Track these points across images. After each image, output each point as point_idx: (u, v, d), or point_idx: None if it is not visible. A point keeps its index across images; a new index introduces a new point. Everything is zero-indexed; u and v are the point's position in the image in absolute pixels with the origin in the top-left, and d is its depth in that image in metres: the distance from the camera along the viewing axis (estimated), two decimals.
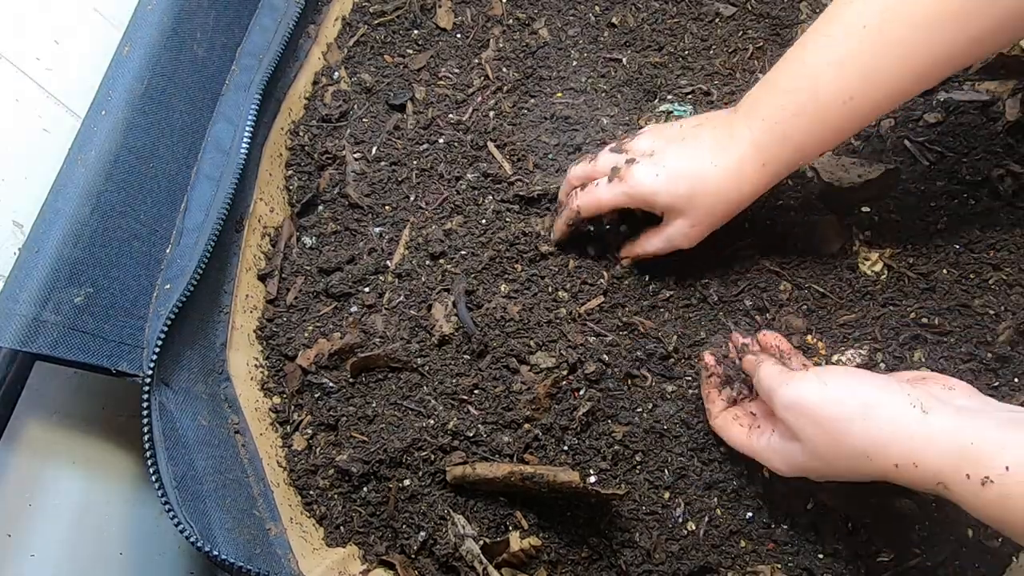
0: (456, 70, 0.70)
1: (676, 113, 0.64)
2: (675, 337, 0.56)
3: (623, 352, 0.56)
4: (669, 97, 0.66)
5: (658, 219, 0.55)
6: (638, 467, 0.54)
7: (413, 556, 0.53)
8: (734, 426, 0.50)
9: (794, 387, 0.43)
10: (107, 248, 0.50)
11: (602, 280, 0.59)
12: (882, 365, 0.55)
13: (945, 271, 0.57)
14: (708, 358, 0.54)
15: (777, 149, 0.49)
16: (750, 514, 0.53)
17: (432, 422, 0.54)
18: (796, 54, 0.49)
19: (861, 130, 0.52)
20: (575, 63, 0.69)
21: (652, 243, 0.56)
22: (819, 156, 0.50)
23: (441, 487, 0.54)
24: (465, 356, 0.56)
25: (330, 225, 0.64)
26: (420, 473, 0.54)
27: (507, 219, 0.61)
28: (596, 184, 0.55)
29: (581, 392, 0.55)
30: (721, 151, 0.51)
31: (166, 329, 0.49)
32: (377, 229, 0.63)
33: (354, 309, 0.60)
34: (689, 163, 0.52)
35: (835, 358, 0.55)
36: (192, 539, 0.44)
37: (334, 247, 0.63)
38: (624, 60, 0.68)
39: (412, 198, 0.64)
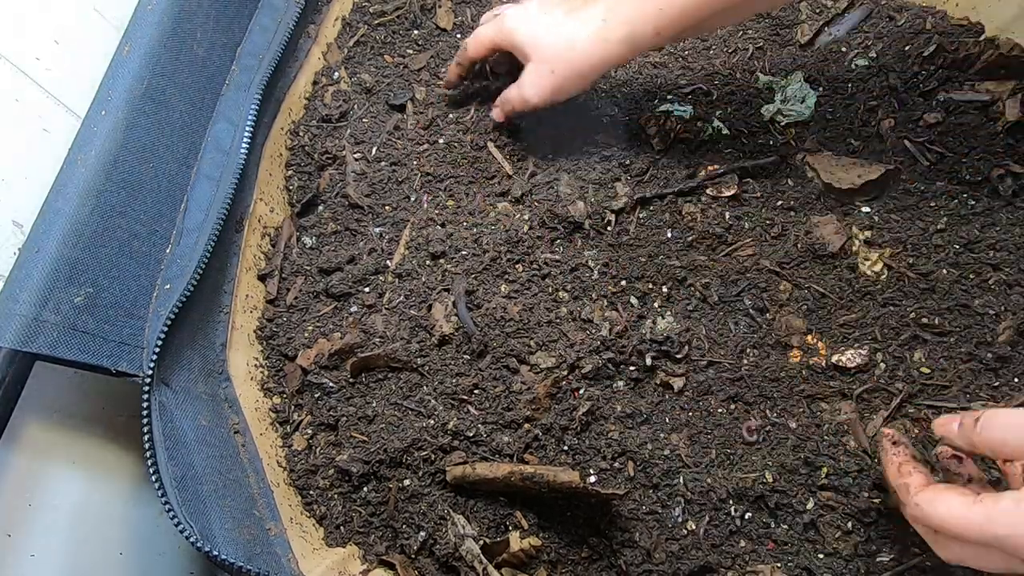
0: None
1: (676, 113, 0.64)
2: (675, 336, 0.56)
3: (623, 352, 0.56)
4: (669, 97, 0.66)
5: None
6: (638, 466, 0.54)
7: (413, 556, 0.53)
8: (950, 494, 0.39)
9: None
10: (107, 248, 0.50)
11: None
12: (882, 365, 0.55)
13: (945, 271, 0.57)
14: (888, 435, 0.47)
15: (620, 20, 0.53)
16: (750, 514, 0.53)
17: (432, 422, 0.54)
18: None
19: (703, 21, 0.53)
20: None
21: (511, 92, 0.60)
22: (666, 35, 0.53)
23: (441, 487, 0.54)
24: (465, 356, 0.56)
25: (330, 225, 0.64)
26: (420, 473, 0.54)
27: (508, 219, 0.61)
28: (482, 24, 0.61)
29: (581, 392, 0.55)
30: (578, 10, 0.55)
31: (166, 329, 0.49)
32: (377, 229, 0.63)
33: (354, 309, 0.60)
34: (551, 15, 0.56)
35: (835, 358, 0.55)
36: (192, 539, 0.44)
37: (334, 247, 0.63)
38: None
39: (412, 198, 0.64)
